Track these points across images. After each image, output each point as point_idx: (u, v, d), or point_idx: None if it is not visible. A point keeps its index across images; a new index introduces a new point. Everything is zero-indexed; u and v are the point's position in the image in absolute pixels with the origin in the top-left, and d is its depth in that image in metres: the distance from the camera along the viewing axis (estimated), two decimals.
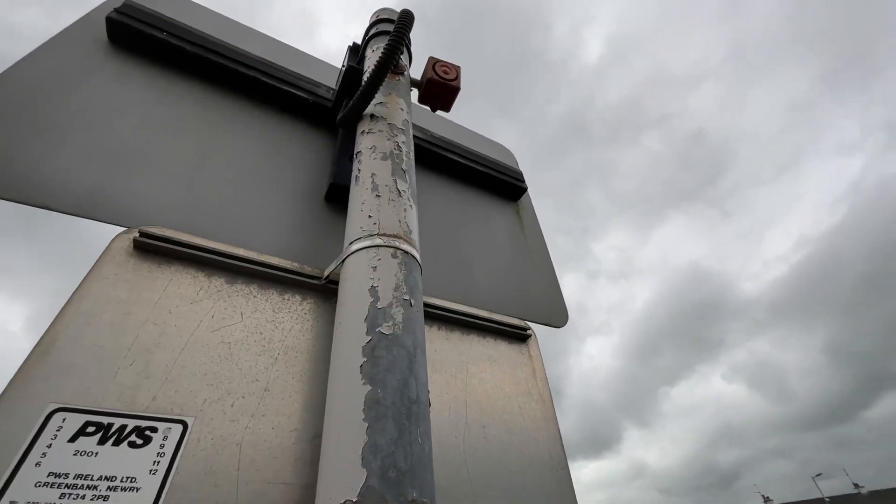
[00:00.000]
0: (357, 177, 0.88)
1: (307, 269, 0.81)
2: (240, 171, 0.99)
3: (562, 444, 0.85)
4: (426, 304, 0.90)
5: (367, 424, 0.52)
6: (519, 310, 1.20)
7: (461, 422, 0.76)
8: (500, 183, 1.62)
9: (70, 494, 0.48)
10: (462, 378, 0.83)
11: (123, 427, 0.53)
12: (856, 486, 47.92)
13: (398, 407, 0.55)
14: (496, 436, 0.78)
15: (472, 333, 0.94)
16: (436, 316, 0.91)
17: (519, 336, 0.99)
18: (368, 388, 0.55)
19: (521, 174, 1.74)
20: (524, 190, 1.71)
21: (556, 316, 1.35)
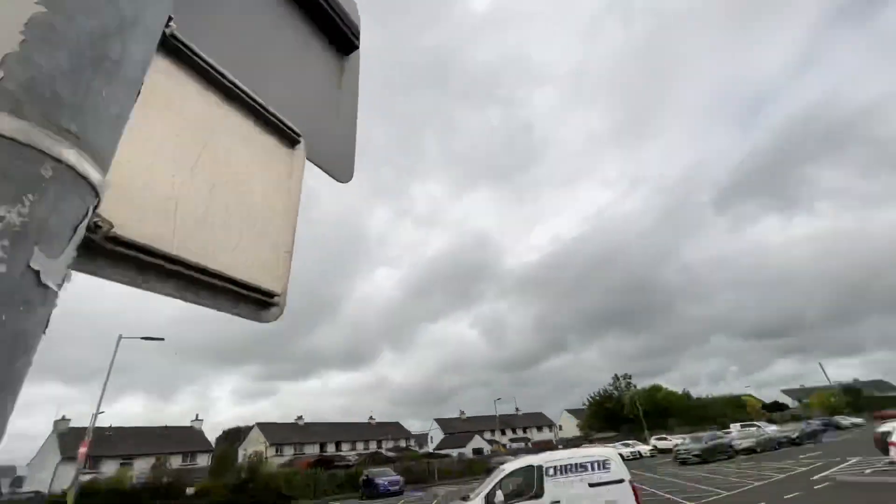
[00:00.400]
0: None
1: None
2: None
3: (293, 234, 0.88)
4: (199, 56, 0.72)
5: (22, 38, 0.41)
6: (305, 143, 1.13)
7: (186, 166, 0.68)
8: (329, 21, 1.44)
9: None
10: (206, 137, 0.74)
11: None
12: (517, 409, 74.99)
13: (85, 49, 0.45)
14: (223, 195, 0.73)
15: (242, 112, 0.83)
16: (206, 74, 0.75)
17: (288, 137, 0.94)
18: (42, 9, 0.43)
19: (357, 29, 1.60)
20: (356, 48, 1.60)
21: (342, 171, 1.35)
